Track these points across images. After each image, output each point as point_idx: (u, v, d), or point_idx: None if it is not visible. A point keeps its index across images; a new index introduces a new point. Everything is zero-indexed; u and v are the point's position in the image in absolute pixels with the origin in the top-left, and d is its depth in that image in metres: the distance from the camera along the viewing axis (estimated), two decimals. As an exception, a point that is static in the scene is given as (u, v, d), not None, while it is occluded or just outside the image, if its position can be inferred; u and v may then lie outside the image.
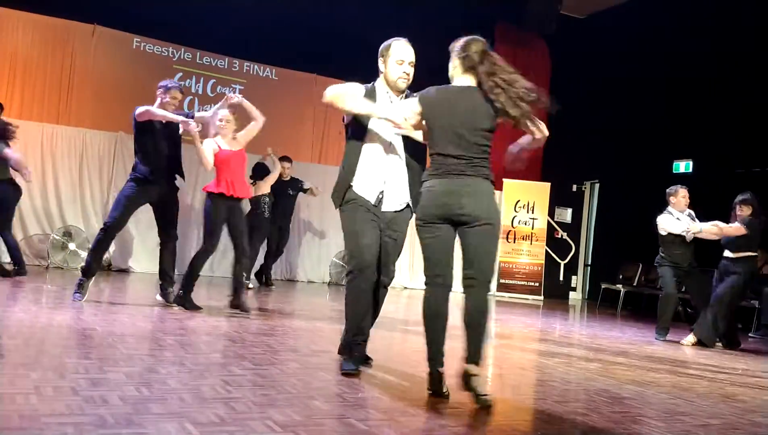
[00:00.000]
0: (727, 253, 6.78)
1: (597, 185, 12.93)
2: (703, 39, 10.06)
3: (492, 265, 3.29)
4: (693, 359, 5.70)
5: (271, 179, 8.28)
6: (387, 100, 3.65)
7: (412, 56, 3.68)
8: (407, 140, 3.62)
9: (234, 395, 2.86)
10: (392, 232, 3.66)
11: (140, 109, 5.55)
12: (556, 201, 12.31)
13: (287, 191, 8.85)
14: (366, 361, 3.80)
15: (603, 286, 11.18)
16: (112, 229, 5.57)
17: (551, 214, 12.25)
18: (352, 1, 10.22)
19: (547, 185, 11.83)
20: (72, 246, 8.74)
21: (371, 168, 3.61)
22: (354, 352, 3.64)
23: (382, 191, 3.62)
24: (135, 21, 9.95)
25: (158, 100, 5.70)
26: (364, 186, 3.61)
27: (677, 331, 7.28)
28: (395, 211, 3.67)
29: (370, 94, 3.65)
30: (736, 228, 6.66)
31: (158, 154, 5.62)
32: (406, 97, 3.66)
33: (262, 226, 8.32)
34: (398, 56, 3.65)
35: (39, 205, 8.91)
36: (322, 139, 11.47)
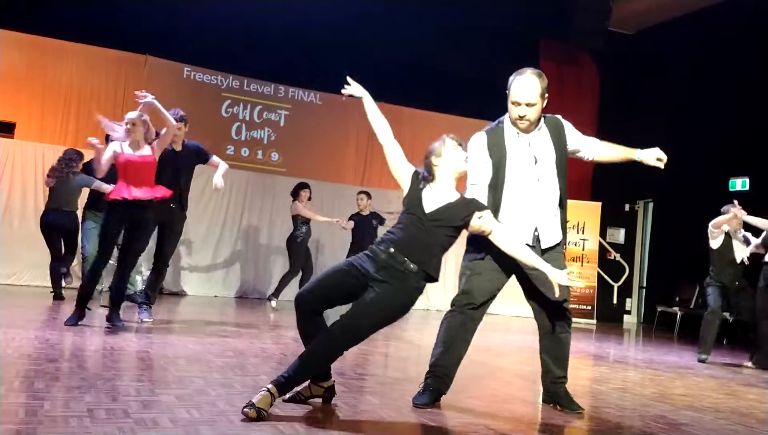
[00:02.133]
0: None
1: (651, 204, 12.59)
2: (755, 54, 9.78)
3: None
4: (753, 383, 5.46)
5: (320, 219, 8.58)
6: (515, 136, 3.51)
7: (527, 96, 3.37)
8: None
9: (281, 417, 2.84)
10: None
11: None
12: (607, 221, 12.04)
13: (371, 223, 8.71)
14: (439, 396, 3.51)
15: (659, 309, 10.83)
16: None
17: (603, 234, 11.98)
18: (396, 24, 10.31)
19: (598, 205, 11.59)
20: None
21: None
22: (430, 385, 3.48)
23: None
24: (185, 50, 10.23)
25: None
26: None
27: (738, 353, 7.01)
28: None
29: (493, 142, 3.47)
30: None
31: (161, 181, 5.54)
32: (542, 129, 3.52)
33: (291, 249, 8.50)
34: (513, 97, 3.42)
35: (94, 230, 9.16)
36: (365, 162, 11.52)
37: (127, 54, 10.12)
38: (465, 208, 3.20)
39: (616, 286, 11.87)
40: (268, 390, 2.85)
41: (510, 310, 11.11)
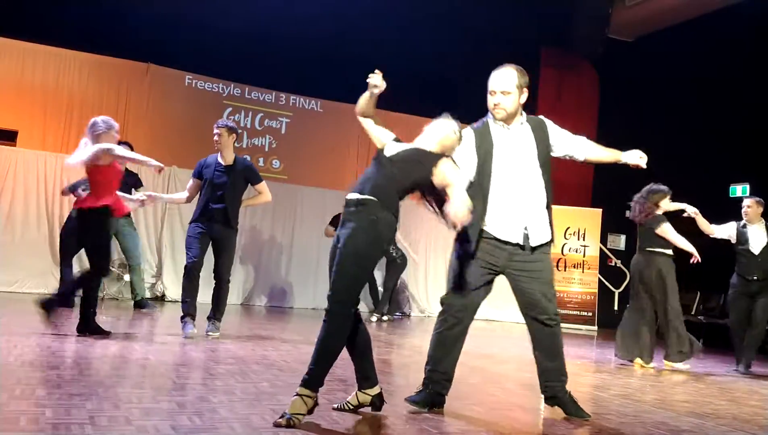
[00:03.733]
0: None
1: (650, 211, 12.60)
2: (754, 60, 9.80)
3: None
4: (755, 389, 5.45)
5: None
6: (500, 131, 3.56)
7: (501, 85, 3.49)
8: None
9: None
10: None
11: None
12: (608, 227, 12.05)
13: None
14: (439, 401, 3.52)
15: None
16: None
17: (604, 241, 11.98)
18: (396, 32, 10.34)
19: (599, 211, 11.60)
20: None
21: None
22: (428, 387, 3.50)
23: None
24: (187, 58, 10.28)
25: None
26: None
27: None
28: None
29: (481, 137, 3.54)
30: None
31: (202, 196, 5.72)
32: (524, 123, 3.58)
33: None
34: (489, 87, 3.55)
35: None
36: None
37: (129, 62, 10.17)
38: (431, 155, 3.24)
39: (617, 292, 11.84)
40: (297, 394, 2.90)
41: (511, 316, 11.10)
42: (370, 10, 10.03)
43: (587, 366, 6.33)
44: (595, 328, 11.23)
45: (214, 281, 5.88)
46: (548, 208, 3.62)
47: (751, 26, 9.91)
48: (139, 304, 7.57)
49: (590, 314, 11.39)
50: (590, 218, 11.58)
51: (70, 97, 9.85)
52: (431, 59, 10.54)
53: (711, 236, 6.85)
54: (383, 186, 3.13)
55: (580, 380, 5.33)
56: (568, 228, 11.46)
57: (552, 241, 3.62)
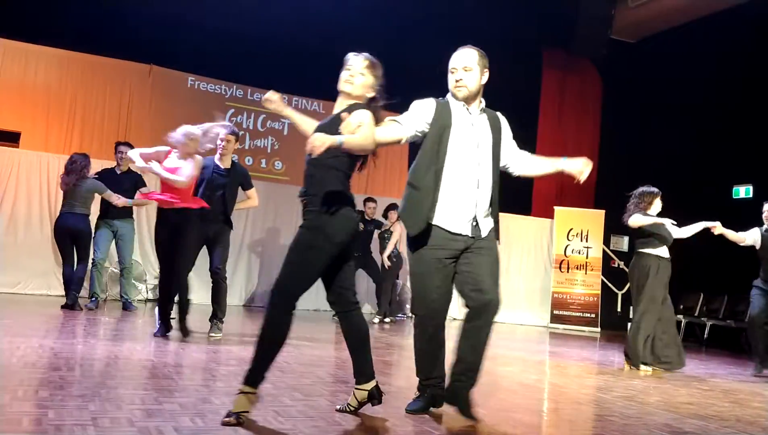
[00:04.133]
0: None
1: (653, 212, 12.58)
2: (759, 61, 9.79)
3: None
4: (758, 391, 5.44)
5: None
6: (460, 112, 3.45)
7: (463, 61, 3.41)
8: None
9: (285, 426, 2.85)
10: None
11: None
12: (611, 229, 12.03)
13: (367, 228, 9.22)
14: (438, 400, 3.44)
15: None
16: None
17: (606, 242, 11.96)
18: (397, 32, 10.35)
19: (602, 213, 11.58)
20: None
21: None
22: (425, 392, 3.45)
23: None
24: (189, 60, 10.29)
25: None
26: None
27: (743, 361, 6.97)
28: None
29: (442, 109, 3.42)
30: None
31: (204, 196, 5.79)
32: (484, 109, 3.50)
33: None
34: (450, 65, 3.47)
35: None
36: (367, 170, 11.51)
37: (131, 63, 10.21)
38: (337, 116, 3.17)
39: (620, 293, 11.84)
40: (241, 391, 2.90)
41: (514, 318, 11.10)
42: (370, 10, 10.03)
43: (590, 368, 6.32)
44: (598, 329, 11.22)
45: (212, 280, 5.91)
46: (495, 204, 3.46)
47: (755, 27, 9.90)
48: (126, 306, 7.66)
49: (593, 316, 11.37)
50: (593, 220, 11.57)
51: (73, 99, 9.89)
52: (432, 60, 10.54)
53: (741, 244, 6.77)
54: (313, 175, 3.14)
55: (583, 382, 5.32)
56: (571, 229, 11.45)
57: (497, 229, 3.45)
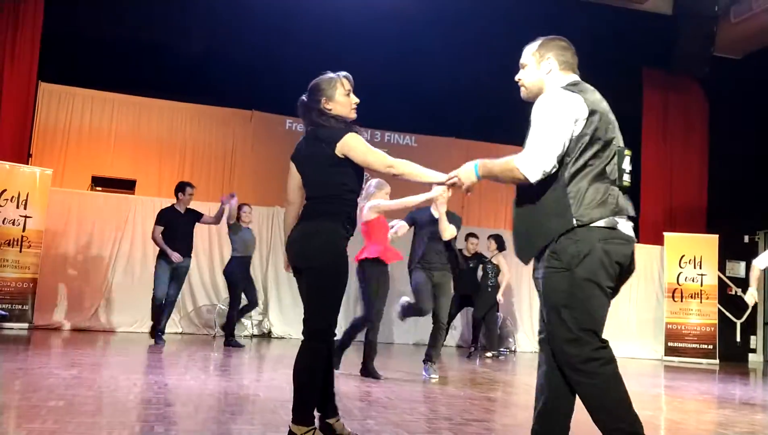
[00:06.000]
0: None
1: (772, 234, 11.78)
2: None
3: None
4: None
5: None
6: None
7: (521, 59, 2.94)
8: None
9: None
10: None
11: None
12: (726, 254, 11.33)
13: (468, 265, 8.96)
14: None
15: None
16: None
17: (722, 268, 11.27)
18: (485, 60, 10.30)
19: (715, 238, 10.93)
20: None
21: None
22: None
23: None
24: (287, 104, 10.69)
25: None
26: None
27: None
28: None
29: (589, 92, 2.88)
30: None
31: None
32: None
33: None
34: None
35: (207, 277, 9.53)
36: (464, 202, 11.49)
37: (235, 110, 10.84)
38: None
39: (738, 323, 11.08)
40: (290, 430, 2.94)
41: (626, 351, 10.60)
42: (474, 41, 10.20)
43: (709, 402, 5.92)
44: (717, 361, 10.51)
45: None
46: None
47: None
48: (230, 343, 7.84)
49: (710, 347, 10.68)
50: (706, 245, 10.93)
51: (183, 146, 10.54)
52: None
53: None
54: (327, 201, 3.25)
55: (702, 417, 4.99)
56: (683, 256, 10.85)
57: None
